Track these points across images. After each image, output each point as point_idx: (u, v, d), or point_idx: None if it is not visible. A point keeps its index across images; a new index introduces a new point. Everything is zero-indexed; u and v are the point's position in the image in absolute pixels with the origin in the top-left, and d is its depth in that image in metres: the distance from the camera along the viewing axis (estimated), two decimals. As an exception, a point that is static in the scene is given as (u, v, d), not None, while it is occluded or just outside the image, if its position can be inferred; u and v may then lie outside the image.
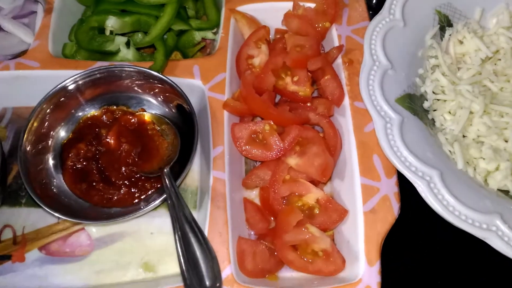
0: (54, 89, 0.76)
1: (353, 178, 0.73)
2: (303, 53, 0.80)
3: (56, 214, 0.69)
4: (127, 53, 0.86)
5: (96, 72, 0.78)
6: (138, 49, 0.90)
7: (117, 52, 0.87)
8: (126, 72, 0.80)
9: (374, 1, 1.05)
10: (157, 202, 0.69)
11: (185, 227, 0.62)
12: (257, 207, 0.76)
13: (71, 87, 0.78)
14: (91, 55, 0.87)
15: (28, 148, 0.73)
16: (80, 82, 0.78)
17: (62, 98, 0.78)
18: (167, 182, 0.70)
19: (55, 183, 0.77)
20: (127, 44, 0.86)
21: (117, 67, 0.79)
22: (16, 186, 0.80)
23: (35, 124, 0.75)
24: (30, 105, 0.85)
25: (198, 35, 0.89)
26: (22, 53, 0.88)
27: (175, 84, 0.76)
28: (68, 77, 0.77)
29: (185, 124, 0.80)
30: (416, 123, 0.76)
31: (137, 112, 0.83)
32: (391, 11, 0.85)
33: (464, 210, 0.67)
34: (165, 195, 0.68)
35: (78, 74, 0.77)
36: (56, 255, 0.74)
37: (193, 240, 0.61)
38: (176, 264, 0.71)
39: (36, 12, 0.91)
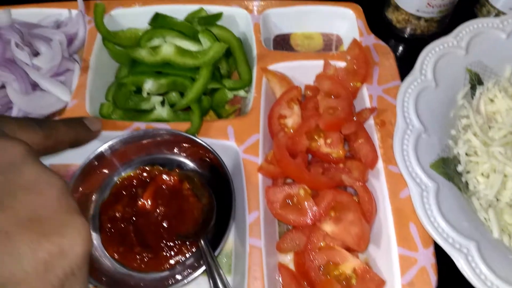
0: (93, 154, 0.77)
1: (389, 246, 0.73)
2: (336, 116, 0.80)
3: (94, 282, 0.69)
4: (162, 112, 0.87)
5: (134, 137, 0.78)
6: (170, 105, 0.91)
7: (151, 110, 0.88)
8: (163, 135, 0.80)
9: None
10: (196, 274, 0.69)
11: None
12: (292, 274, 0.76)
13: (109, 151, 0.79)
14: (126, 113, 0.88)
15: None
16: (118, 146, 0.79)
17: (101, 162, 0.79)
18: (206, 252, 0.70)
19: (93, 247, 0.77)
20: (162, 103, 0.87)
21: (154, 131, 0.80)
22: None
23: (75, 188, 0.76)
24: (66, 163, 0.87)
25: (230, 93, 0.90)
26: (59, 112, 0.89)
27: (212, 149, 0.77)
28: (107, 141, 0.77)
29: (219, 187, 0.81)
30: (451, 190, 0.76)
31: (172, 172, 0.84)
32: (423, 71, 0.85)
33: (502, 285, 0.66)
34: (204, 267, 0.68)
35: (117, 138, 0.78)
36: (93, 320, 0.74)
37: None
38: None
39: (71, 70, 0.92)
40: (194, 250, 0.77)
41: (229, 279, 0.75)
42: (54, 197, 0.50)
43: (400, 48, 1.06)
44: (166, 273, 0.76)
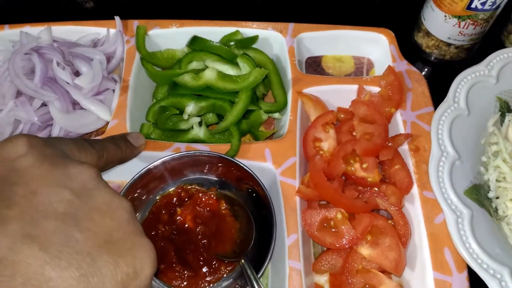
0: (137, 174, 0.81)
1: (424, 270, 0.77)
2: (373, 142, 0.84)
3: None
4: (199, 132, 0.91)
5: (175, 158, 0.82)
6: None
7: (188, 130, 0.92)
8: (204, 157, 0.84)
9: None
10: (241, 294, 0.72)
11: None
12: (328, 295, 0.79)
13: (151, 171, 0.82)
14: (163, 132, 0.92)
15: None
16: (160, 167, 0.83)
17: (143, 181, 0.83)
18: (249, 272, 0.73)
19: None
20: (199, 123, 0.91)
21: (194, 152, 0.84)
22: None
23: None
24: (105, 179, 0.91)
25: (264, 115, 0.94)
26: (99, 131, 0.93)
27: (252, 172, 0.81)
28: (152, 162, 0.81)
29: (257, 208, 0.85)
30: (484, 216, 0.80)
31: (210, 191, 0.88)
32: (455, 99, 0.89)
33: (536, 311, 0.70)
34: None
35: (160, 159, 0.81)
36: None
37: None
38: None
39: (109, 89, 0.96)
40: (230, 270, 0.81)
41: (267, 299, 0.79)
42: (125, 220, 0.54)
43: (428, 72, 1.10)
44: (204, 291, 0.80)
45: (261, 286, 0.71)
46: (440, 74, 1.07)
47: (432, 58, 1.10)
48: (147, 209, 0.86)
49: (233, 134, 0.86)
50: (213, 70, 0.86)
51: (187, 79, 0.86)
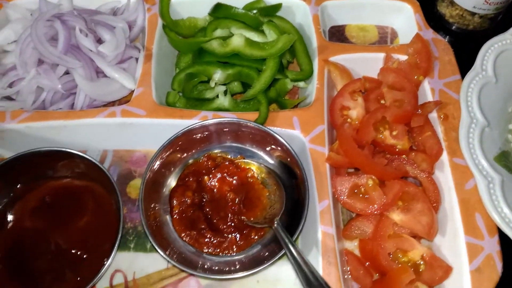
0: (166, 142, 0.81)
1: (456, 235, 0.78)
2: (403, 109, 0.84)
3: (173, 262, 0.74)
4: (224, 101, 0.91)
5: (208, 124, 0.83)
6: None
7: (213, 99, 0.91)
8: (233, 124, 0.84)
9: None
10: (276, 257, 0.73)
11: (317, 285, 0.66)
12: (359, 260, 0.81)
13: (181, 139, 0.82)
14: (188, 101, 0.92)
15: (145, 196, 0.78)
16: (191, 133, 0.83)
17: (172, 150, 0.83)
18: (283, 235, 0.73)
19: (165, 230, 0.81)
20: (224, 92, 0.91)
21: (224, 120, 0.83)
22: (123, 230, 0.84)
23: (151, 175, 0.80)
24: (130, 148, 0.91)
25: (290, 84, 0.94)
26: (123, 99, 0.93)
27: (283, 139, 0.81)
28: (179, 130, 0.81)
29: (285, 175, 0.85)
30: (512, 181, 0.81)
31: (237, 159, 0.88)
32: (483, 67, 0.90)
33: None
34: (283, 250, 0.72)
35: (191, 125, 0.82)
36: (167, 301, 0.79)
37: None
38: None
39: (133, 57, 0.95)
40: (260, 236, 0.82)
41: (299, 264, 0.80)
42: None
43: (450, 42, 1.09)
44: (234, 257, 0.81)
45: (296, 247, 0.71)
46: (462, 44, 1.07)
47: (455, 28, 1.10)
48: (176, 177, 0.86)
49: (261, 101, 0.86)
50: (241, 37, 0.86)
51: (215, 45, 0.86)
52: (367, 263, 0.81)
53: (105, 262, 0.76)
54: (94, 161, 0.80)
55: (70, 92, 0.92)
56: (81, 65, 0.89)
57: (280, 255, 0.74)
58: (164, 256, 0.74)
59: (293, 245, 0.72)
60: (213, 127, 0.85)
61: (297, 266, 0.69)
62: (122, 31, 0.93)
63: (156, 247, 0.74)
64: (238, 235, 0.81)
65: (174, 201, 0.84)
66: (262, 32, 0.92)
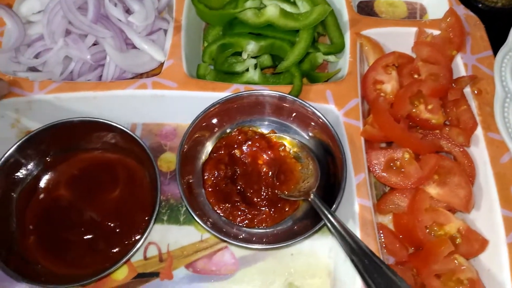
0: (199, 116, 0.80)
1: (491, 209, 0.78)
2: (439, 83, 0.84)
3: (210, 230, 0.73)
4: (254, 75, 0.90)
5: (242, 97, 0.82)
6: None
7: (243, 73, 0.90)
8: (265, 97, 0.83)
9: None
10: (316, 228, 0.73)
11: (361, 253, 0.66)
12: (393, 234, 0.81)
13: (217, 109, 0.81)
14: (218, 74, 0.91)
15: (180, 168, 0.77)
16: (224, 106, 0.82)
17: (207, 121, 0.82)
18: (321, 206, 0.73)
19: (199, 202, 0.81)
20: (255, 66, 0.90)
21: (257, 92, 0.82)
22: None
23: (185, 146, 0.79)
24: (159, 122, 0.90)
25: (321, 57, 0.93)
26: (153, 71, 0.91)
27: (319, 112, 0.80)
28: (216, 100, 0.80)
29: (319, 149, 0.85)
30: (549, 155, 0.81)
31: (268, 133, 0.87)
32: (517, 42, 0.89)
33: None
34: (322, 222, 0.72)
35: (225, 98, 0.81)
36: (203, 273, 0.79)
37: (373, 266, 0.64)
38: (321, 285, 0.77)
39: (161, 29, 0.93)
40: (295, 207, 0.82)
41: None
42: None
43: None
44: (267, 229, 0.81)
45: (336, 217, 0.71)
46: (492, 21, 1.06)
47: (482, 6, 1.09)
48: (208, 151, 0.86)
49: (294, 74, 0.85)
50: (275, 7, 0.85)
51: (249, 15, 0.85)
52: (400, 237, 0.81)
53: (141, 236, 0.75)
54: (129, 132, 0.79)
55: (98, 63, 0.91)
56: (111, 35, 0.87)
57: (316, 228, 0.74)
58: (202, 224, 0.73)
59: (333, 215, 0.72)
60: (247, 99, 0.84)
61: (338, 234, 0.69)
62: (151, 2, 0.91)
63: (194, 215, 0.74)
64: (272, 208, 0.81)
65: (207, 174, 0.83)
66: (294, 3, 0.91)
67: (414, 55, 0.92)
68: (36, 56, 0.91)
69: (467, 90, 0.88)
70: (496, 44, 0.93)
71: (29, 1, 0.94)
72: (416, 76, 0.89)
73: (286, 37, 0.88)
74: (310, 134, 0.86)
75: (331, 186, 0.81)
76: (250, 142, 0.86)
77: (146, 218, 0.78)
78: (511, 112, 0.82)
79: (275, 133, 0.88)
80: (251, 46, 0.86)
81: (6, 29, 0.92)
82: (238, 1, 0.90)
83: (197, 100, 0.85)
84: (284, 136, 0.87)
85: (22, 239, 0.78)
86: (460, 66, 0.90)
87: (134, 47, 0.91)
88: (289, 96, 0.83)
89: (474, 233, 0.78)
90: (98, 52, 0.89)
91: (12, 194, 0.80)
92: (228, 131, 0.87)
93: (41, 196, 0.81)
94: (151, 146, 0.89)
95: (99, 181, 0.82)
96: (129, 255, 0.73)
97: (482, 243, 0.77)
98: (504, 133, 0.81)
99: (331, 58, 0.95)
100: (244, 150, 0.86)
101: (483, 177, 0.82)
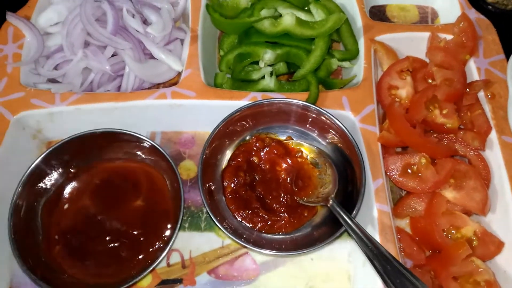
0: (224, 120, 0.82)
1: (507, 211, 0.80)
2: (453, 87, 0.85)
3: (236, 239, 0.75)
4: (270, 82, 0.91)
5: (262, 105, 0.84)
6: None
7: (258, 80, 0.92)
8: (283, 104, 0.85)
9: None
10: (337, 234, 0.74)
11: (382, 258, 0.67)
12: (411, 238, 0.82)
13: (237, 117, 0.83)
14: (234, 83, 0.92)
15: (203, 176, 0.79)
16: (243, 114, 0.84)
17: (227, 129, 0.84)
18: (340, 211, 0.75)
19: (220, 209, 0.82)
20: (270, 73, 0.91)
21: (276, 100, 0.84)
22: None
23: (207, 153, 0.81)
24: (178, 130, 0.92)
25: (335, 64, 0.94)
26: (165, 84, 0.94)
27: (336, 118, 0.82)
28: (235, 108, 0.82)
29: (336, 155, 0.86)
30: None
31: (285, 140, 0.89)
32: (529, 46, 0.90)
33: None
34: (343, 228, 0.74)
35: (246, 105, 0.83)
36: (225, 279, 0.81)
37: (395, 270, 0.66)
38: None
39: (178, 39, 0.95)
40: (314, 213, 0.83)
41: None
42: None
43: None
44: (287, 235, 0.83)
45: (355, 221, 0.73)
46: (502, 24, 1.07)
47: (492, 8, 1.10)
48: (227, 158, 0.87)
49: (311, 81, 0.86)
50: (292, 16, 0.86)
51: (266, 25, 0.86)
52: (417, 240, 0.83)
53: (165, 243, 0.77)
54: (151, 141, 0.81)
55: (117, 74, 0.92)
56: (130, 46, 0.89)
57: (337, 234, 0.75)
58: (223, 230, 0.75)
59: (352, 220, 0.73)
60: (266, 107, 0.85)
61: (358, 239, 0.71)
62: (167, 12, 0.93)
63: (216, 222, 0.75)
64: (291, 214, 0.83)
65: (226, 181, 0.85)
66: (308, 11, 0.92)
67: (427, 60, 0.94)
68: (56, 68, 0.93)
69: (481, 94, 0.90)
70: (508, 47, 0.95)
71: (47, 12, 0.96)
72: (430, 81, 0.90)
73: (302, 45, 0.90)
74: (328, 140, 0.88)
75: (349, 192, 0.82)
76: (267, 149, 0.87)
77: (169, 226, 0.81)
78: (525, 115, 0.84)
79: (292, 139, 0.90)
80: (268, 55, 0.87)
81: (26, 42, 0.94)
82: (253, 9, 0.91)
83: (215, 108, 0.87)
84: (301, 142, 0.89)
85: (48, 248, 0.80)
86: (473, 70, 0.92)
87: (152, 57, 0.92)
88: (307, 103, 0.84)
89: (490, 236, 0.79)
90: (117, 63, 0.91)
91: (37, 204, 0.82)
92: (246, 138, 0.89)
93: (66, 206, 0.83)
94: (171, 154, 0.90)
95: (122, 191, 0.84)
96: (156, 263, 0.75)
97: (498, 245, 0.79)
98: (518, 136, 0.82)
99: (345, 64, 0.96)
100: (262, 157, 0.87)
101: (498, 180, 0.83)
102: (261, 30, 0.87)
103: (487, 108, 0.88)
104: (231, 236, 0.76)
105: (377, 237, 0.77)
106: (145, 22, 0.94)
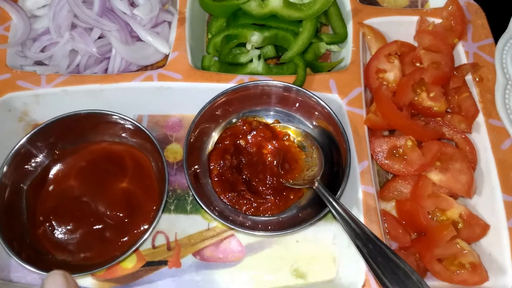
0: (205, 107, 0.81)
1: (493, 194, 0.80)
2: (441, 70, 0.84)
3: (222, 221, 0.75)
4: (257, 65, 0.91)
5: (247, 87, 0.83)
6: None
7: (246, 63, 0.91)
8: (269, 87, 0.84)
9: None
10: (321, 214, 0.74)
11: (365, 238, 0.67)
12: (397, 220, 0.82)
13: (222, 100, 0.83)
14: (222, 66, 0.92)
15: (189, 159, 0.78)
16: (229, 97, 0.83)
17: (213, 112, 0.83)
18: (325, 193, 0.75)
19: (206, 191, 0.82)
20: (258, 57, 0.90)
21: (262, 82, 0.83)
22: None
23: (192, 136, 0.80)
24: (165, 113, 0.91)
25: (324, 47, 0.93)
26: (152, 66, 0.93)
27: (322, 101, 0.81)
28: (221, 91, 0.81)
29: (323, 138, 0.86)
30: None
31: (273, 123, 0.88)
32: (518, 29, 0.90)
33: None
34: (327, 209, 0.74)
35: (230, 88, 0.82)
36: (210, 261, 0.81)
37: (377, 250, 0.66)
38: (326, 271, 0.78)
39: (166, 21, 0.94)
40: (300, 195, 0.83)
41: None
42: None
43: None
44: (272, 217, 0.82)
45: (340, 203, 0.72)
46: (492, 9, 1.06)
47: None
48: (213, 141, 0.87)
49: (298, 64, 0.86)
50: (279, -2, 0.85)
51: (253, 6, 0.85)
52: (403, 223, 0.83)
53: (149, 225, 0.77)
54: (137, 123, 0.81)
55: (104, 56, 0.92)
56: (117, 28, 0.88)
57: (321, 215, 0.75)
58: (209, 212, 0.75)
59: (337, 201, 0.73)
60: (252, 90, 0.85)
61: (342, 220, 0.71)
62: (155, -6, 0.92)
63: (201, 204, 0.75)
64: (277, 197, 0.83)
65: (213, 164, 0.84)
66: (296, -6, 0.92)
67: (416, 44, 0.93)
68: (42, 50, 0.92)
69: (469, 77, 0.89)
70: (497, 31, 0.94)
71: (34, -5, 0.95)
72: (418, 64, 0.90)
73: (290, 28, 0.89)
74: (314, 123, 0.87)
75: (335, 174, 0.82)
76: (254, 132, 0.87)
77: (154, 207, 0.80)
78: (512, 98, 0.83)
79: (279, 123, 0.89)
80: (255, 37, 0.87)
81: (12, 24, 0.93)
82: (241, -9, 0.90)
83: (202, 91, 0.86)
84: (288, 125, 0.88)
85: (33, 230, 0.79)
86: (462, 54, 0.91)
87: (139, 39, 0.92)
88: (294, 86, 0.84)
89: (475, 218, 0.79)
90: (104, 45, 0.90)
91: (22, 186, 0.82)
92: (233, 121, 0.89)
93: (51, 187, 0.82)
94: (157, 138, 0.90)
95: (107, 172, 0.83)
96: (138, 244, 0.75)
97: (483, 228, 0.79)
98: (505, 119, 0.82)
99: (334, 47, 0.95)
100: (249, 140, 0.87)
101: (484, 163, 0.83)
102: (248, 12, 0.86)
103: (474, 91, 0.88)
104: (216, 218, 0.76)
105: (361, 219, 0.77)
106: (133, 4, 0.93)
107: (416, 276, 0.62)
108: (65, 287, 0.57)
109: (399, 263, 0.63)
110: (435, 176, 0.81)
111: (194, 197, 0.76)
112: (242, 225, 0.79)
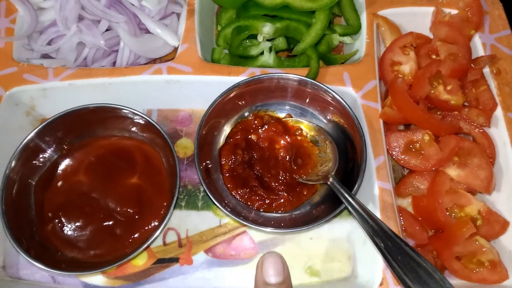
0: (215, 101, 0.78)
1: (513, 190, 0.77)
2: (458, 62, 0.82)
3: (235, 217, 0.73)
4: (268, 58, 0.88)
5: (260, 80, 0.81)
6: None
7: (257, 56, 0.89)
8: (282, 80, 0.82)
9: None
10: (337, 211, 0.72)
11: (383, 235, 0.65)
12: (413, 217, 0.80)
13: (234, 93, 0.80)
14: (232, 59, 0.89)
15: (200, 154, 0.76)
16: (241, 90, 0.81)
17: (224, 106, 0.81)
18: (340, 189, 0.72)
19: (217, 187, 0.80)
20: (269, 49, 0.88)
21: (274, 75, 0.81)
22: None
23: (203, 131, 0.78)
24: (175, 108, 0.89)
25: (336, 40, 0.91)
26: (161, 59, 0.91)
27: (337, 94, 0.79)
28: (232, 84, 0.79)
29: (337, 133, 0.83)
30: None
31: (285, 118, 0.86)
32: (537, 20, 0.87)
33: None
34: (343, 205, 0.71)
35: (243, 81, 0.79)
36: (222, 258, 0.79)
37: (396, 247, 0.63)
38: (341, 269, 0.76)
39: (174, 13, 0.92)
40: (313, 191, 0.81)
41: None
42: None
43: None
44: (285, 214, 0.80)
45: (356, 199, 0.70)
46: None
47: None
48: (225, 136, 0.85)
49: (311, 56, 0.83)
50: (291, -12, 0.82)
51: (265, -4, 0.83)
52: (420, 220, 0.80)
53: (160, 222, 0.75)
54: (147, 118, 0.78)
55: (112, 49, 0.89)
56: (125, 19, 0.86)
57: (337, 211, 0.73)
58: (221, 208, 0.73)
59: (353, 197, 0.71)
60: (264, 83, 0.82)
61: (359, 216, 0.68)
62: (163, -15, 0.89)
63: (213, 200, 0.73)
64: (290, 193, 0.80)
65: (224, 159, 0.82)
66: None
67: (431, 36, 0.90)
68: (49, 43, 0.90)
69: (486, 70, 0.87)
70: (513, 22, 0.92)
71: (40, -13, 0.92)
72: (434, 56, 0.87)
73: (302, 19, 0.86)
74: (328, 117, 0.85)
75: (350, 170, 0.80)
76: (266, 127, 0.85)
77: (165, 204, 0.78)
78: (532, 91, 0.81)
79: (291, 117, 0.87)
80: (267, 28, 0.84)
81: (18, 16, 0.90)
82: (251, -18, 0.87)
83: (212, 84, 0.84)
84: (300, 120, 0.86)
85: (42, 226, 0.77)
86: (479, 46, 0.88)
87: (148, 32, 0.89)
88: (308, 79, 0.81)
89: (495, 215, 0.77)
90: (112, 38, 0.88)
91: (31, 181, 0.80)
92: (245, 115, 0.86)
93: (59, 183, 0.80)
94: (167, 132, 0.86)
95: (117, 168, 0.81)
96: (150, 241, 0.73)
97: (503, 225, 0.76)
98: (525, 113, 0.79)
99: (347, 39, 0.93)
100: (261, 134, 0.84)
101: (503, 158, 0.80)
102: (259, 2, 0.84)
103: (492, 84, 0.85)
104: (229, 214, 0.73)
105: (378, 215, 0.75)
106: (141, -5, 0.90)
107: (438, 275, 0.59)
108: (283, 269, 0.60)
109: (420, 261, 0.61)
110: (453, 171, 0.78)
111: (206, 192, 0.74)
112: (254, 222, 0.77)
